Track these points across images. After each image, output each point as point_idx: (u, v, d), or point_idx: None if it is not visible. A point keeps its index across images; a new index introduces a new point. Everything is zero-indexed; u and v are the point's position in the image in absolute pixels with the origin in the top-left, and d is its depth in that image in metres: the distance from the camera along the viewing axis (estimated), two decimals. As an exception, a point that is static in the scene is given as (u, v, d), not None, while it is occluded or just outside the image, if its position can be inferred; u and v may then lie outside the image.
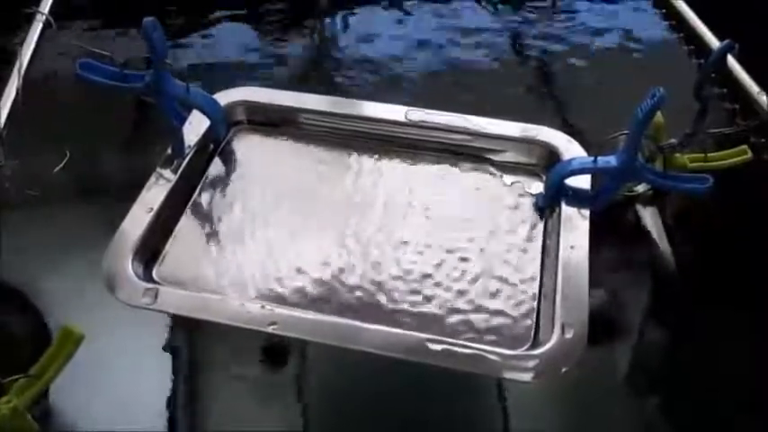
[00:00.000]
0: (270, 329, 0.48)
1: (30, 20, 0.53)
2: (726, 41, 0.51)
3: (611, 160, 0.54)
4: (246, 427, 0.48)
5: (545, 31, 0.83)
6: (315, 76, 0.76)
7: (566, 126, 0.66)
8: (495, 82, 0.77)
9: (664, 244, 0.60)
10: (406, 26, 0.86)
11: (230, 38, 0.82)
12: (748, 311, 0.58)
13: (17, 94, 0.47)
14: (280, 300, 0.51)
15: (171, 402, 0.50)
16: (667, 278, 0.59)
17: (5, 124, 0.45)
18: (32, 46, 0.51)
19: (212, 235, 0.56)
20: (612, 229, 0.60)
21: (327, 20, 0.85)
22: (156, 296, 0.49)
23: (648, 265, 0.59)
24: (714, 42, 0.54)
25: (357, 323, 0.48)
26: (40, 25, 0.52)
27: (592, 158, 0.54)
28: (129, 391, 0.52)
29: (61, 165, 0.47)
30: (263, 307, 0.49)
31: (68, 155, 0.49)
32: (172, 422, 0.48)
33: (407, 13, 0.87)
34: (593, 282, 0.53)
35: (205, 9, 0.85)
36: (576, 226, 0.54)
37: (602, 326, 0.54)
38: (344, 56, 0.81)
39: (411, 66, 0.78)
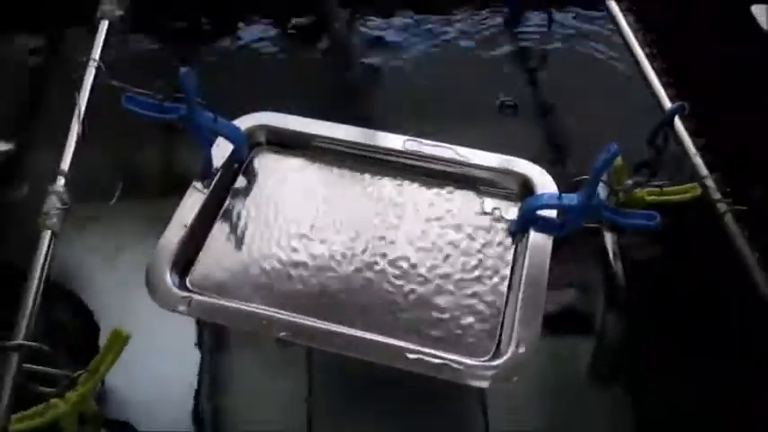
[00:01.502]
0: (282, 336, 0.59)
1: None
2: (677, 104, 0.60)
3: (573, 198, 0.63)
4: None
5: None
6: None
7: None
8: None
9: (618, 265, 0.69)
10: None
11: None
12: (692, 326, 0.68)
13: (77, 137, 0.57)
14: (295, 304, 0.61)
15: (199, 380, 0.63)
16: (616, 294, 0.69)
17: (70, 167, 0.55)
18: (87, 92, 0.60)
19: (238, 245, 0.67)
20: (575, 250, 0.71)
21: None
22: (189, 304, 0.60)
23: (602, 282, 0.70)
24: (666, 103, 0.62)
25: (354, 333, 0.59)
26: (93, 71, 0.62)
27: (557, 195, 0.64)
28: (165, 371, 0.64)
29: (115, 197, 0.58)
30: (276, 316, 0.60)
31: (121, 185, 0.59)
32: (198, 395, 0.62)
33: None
34: (552, 297, 0.64)
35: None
36: (540, 251, 0.64)
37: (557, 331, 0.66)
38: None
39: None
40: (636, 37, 0.68)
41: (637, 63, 0.66)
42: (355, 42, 0.96)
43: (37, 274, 0.50)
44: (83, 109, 0.59)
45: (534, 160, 0.73)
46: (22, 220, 0.78)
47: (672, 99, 0.65)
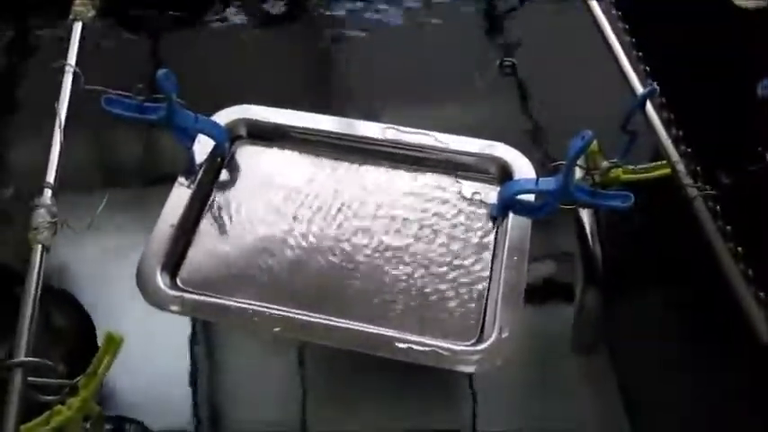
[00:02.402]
0: (275, 330, 0.61)
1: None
2: (648, 88, 0.61)
3: (550, 183, 0.65)
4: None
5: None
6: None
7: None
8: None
9: (595, 241, 0.72)
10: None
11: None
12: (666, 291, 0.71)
13: (60, 147, 0.58)
14: (284, 296, 0.63)
15: (193, 370, 0.66)
16: (593, 268, 0.72)
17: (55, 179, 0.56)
18: (67, 100, 0.60)
19: (225, 240, 0.68)
20: (554, 227, 0.73)
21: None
22: (181, 303, 0.62)
23: (580, 257, 0.73)
24: (638, 87, 0.63)
25: (345, 325, 0.60)
26: (70, 77, 0.62)
27: (535, 180, 0.66)
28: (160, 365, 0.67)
29: (101, 207, 0.59)
30: (268, 311, 0.61)
31: (107, 197, 0.60)
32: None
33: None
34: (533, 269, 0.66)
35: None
36: (520, 235, 0.66)
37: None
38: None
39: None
40: (610, 22, 0.69)
41: (610, 49, 0.67)
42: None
43: (32, 289, 0.51)
44: (63, 118, 0.59)
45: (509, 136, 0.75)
46: (9, 220, 0.80)
47: (643, 83, 0.66)
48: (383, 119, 0.78)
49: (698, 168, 0.63)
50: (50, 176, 0.56)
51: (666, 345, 0.68)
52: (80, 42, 0.66)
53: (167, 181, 0.72)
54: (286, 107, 0.76)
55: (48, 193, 0.55)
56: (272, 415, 0.67)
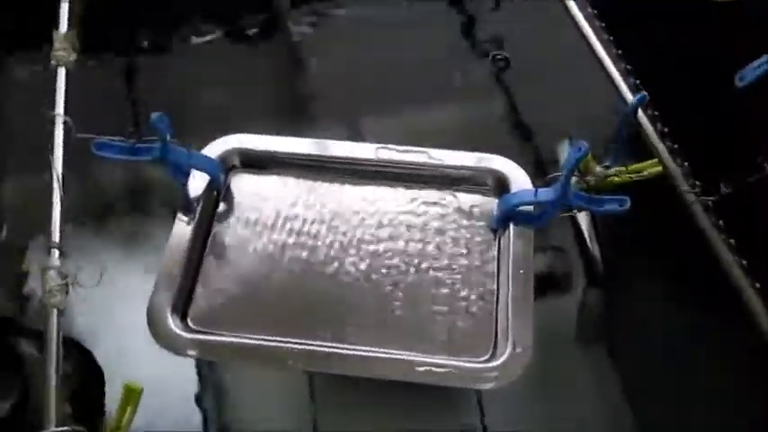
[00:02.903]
0: (290, 363, 0.61)
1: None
2: (639, 95, 0.63)
3: (549, 193, 0.66)
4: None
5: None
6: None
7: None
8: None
9: (593, 242, 0.74)
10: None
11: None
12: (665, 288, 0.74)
13: (60, 200, 0.57)
14: (296, 324, 0.63)
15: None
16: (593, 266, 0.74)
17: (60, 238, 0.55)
18: (61, 151, 0.59)
19: (230, 272, 0.67)
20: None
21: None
22: (198, 347, 0.62)
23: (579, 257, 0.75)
24: (629, 96, 0.65)
25: (366, 354, 0.61)
26: (62, 127, 0.60)
27: (534, 192, 0.67)
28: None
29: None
30: (286, 346, 0.62)
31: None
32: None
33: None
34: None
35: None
36: (523, 247, 0.67)
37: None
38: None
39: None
40: (591, 26, 0.70)
41: (594, 54, 0.69)
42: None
43: (53, 354, 0.51)
44: (59, 171, 0.58)
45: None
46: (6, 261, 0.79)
47: (626, 81, 0.67)
48: (365, 128, 0.78)
49: (686, 163, 0.65)
50: (56, 236, 0.55)
51: (667, 340, 0.70)
52: (66, 90, 0.64)
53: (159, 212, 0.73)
54: (269, 122, 0.76)
55: (55, 254, 0.55)
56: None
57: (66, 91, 0.65)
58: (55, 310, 0.52)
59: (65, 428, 0.48)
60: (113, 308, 0.72)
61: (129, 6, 0.95)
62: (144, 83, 0.93)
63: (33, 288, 0.80)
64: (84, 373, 0.72)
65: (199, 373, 0.75)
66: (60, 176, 0.58)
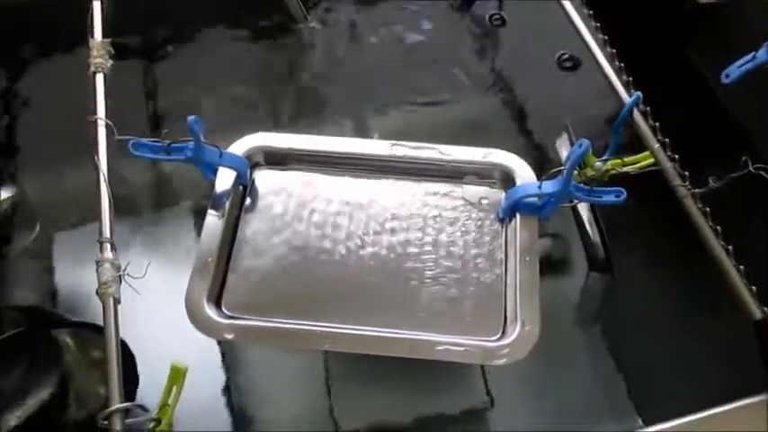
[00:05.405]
0: (326, 347, 0.67)
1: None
2: (634, 95, 0.68)
3: (552, 186, 0.72)
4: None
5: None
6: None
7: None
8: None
9: (594, 231, 0.80)
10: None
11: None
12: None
13: (109, 200, 0.62)
14: (323, 308, 0.69)
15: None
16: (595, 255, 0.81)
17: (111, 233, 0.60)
18: (105, 154, 0.64)
19: (258, 263, 0.73)
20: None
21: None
22: (233, 330, 0.67)
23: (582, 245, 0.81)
24: (625, 96, 0.70)
25: (388, 335, 0.67)
26: (104, 131, 0.65)
27: (538, 185, 0.73)
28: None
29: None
30: (316, 329, 0.68)
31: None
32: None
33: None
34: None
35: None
36: (528, 236, 0.73)
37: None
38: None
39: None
40: (588, 28, 0.75)
41: (592, 55, 0.74)
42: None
43: (113, 341, 0.56)
44: (105, 172, 0.63)
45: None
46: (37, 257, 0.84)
47: (620, 80, 0.73)
48: (373, 125, 0.84)
49: (676, 156, 0.72)
50: (106, 232, 0.60)
51: (657, 319, 0.77)
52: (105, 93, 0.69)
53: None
54: (282, 119, 0.82)
55: (108, 247, 0.60)
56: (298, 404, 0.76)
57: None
58: (111, 299, 0.58)
59: (129, 404, 0.54)
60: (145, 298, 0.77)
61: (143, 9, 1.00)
62: (160, 83, 0.98)
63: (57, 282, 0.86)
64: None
65: (222, 359, 0.81)
66: (106, 175, 0.63)
